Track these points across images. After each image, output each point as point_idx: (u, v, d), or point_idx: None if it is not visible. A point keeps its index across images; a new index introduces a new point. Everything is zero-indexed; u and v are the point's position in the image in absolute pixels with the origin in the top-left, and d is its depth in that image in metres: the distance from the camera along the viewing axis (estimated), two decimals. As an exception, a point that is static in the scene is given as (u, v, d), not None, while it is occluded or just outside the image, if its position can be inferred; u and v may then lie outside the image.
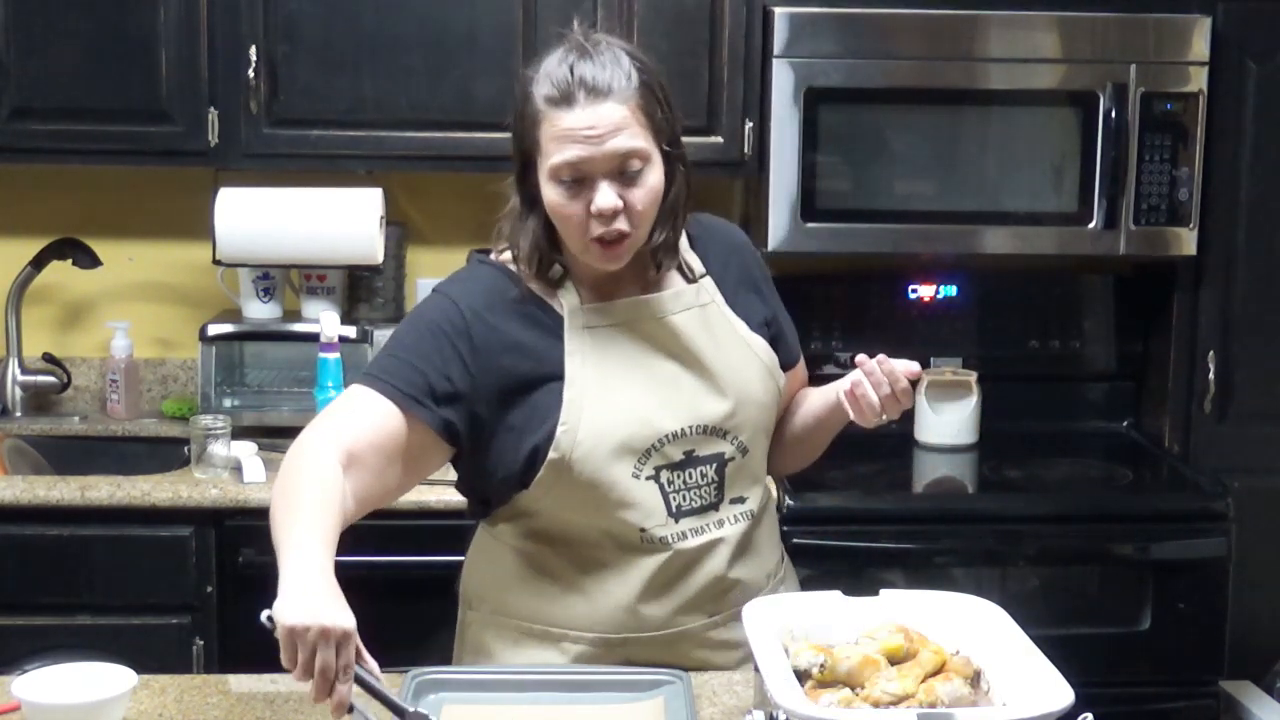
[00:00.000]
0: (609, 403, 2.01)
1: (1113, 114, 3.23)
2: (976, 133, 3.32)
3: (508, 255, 2.08)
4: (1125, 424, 3.65)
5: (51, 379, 3.54)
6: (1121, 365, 3.65)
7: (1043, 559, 3.16)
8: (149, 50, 3.23)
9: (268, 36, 3.23)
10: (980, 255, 3.40)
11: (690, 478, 2.05)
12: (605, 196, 1.93)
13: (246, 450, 3.13)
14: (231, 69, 3.24)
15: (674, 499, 2.04)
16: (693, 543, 2.06)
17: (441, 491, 3.05)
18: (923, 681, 1.78)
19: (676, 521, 2.05)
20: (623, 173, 1.94)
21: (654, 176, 1.96)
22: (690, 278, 2.11)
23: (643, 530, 2.03)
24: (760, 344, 2.13)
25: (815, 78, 3.20)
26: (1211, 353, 3.38)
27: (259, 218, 3.31)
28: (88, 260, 3.50)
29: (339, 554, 3.05)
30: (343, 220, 3.31)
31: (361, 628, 3.08)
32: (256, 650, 2.93)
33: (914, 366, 2.03)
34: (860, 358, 2.03)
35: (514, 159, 2.03)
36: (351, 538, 3.03)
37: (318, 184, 3.37)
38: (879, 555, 3.03)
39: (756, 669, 1.74)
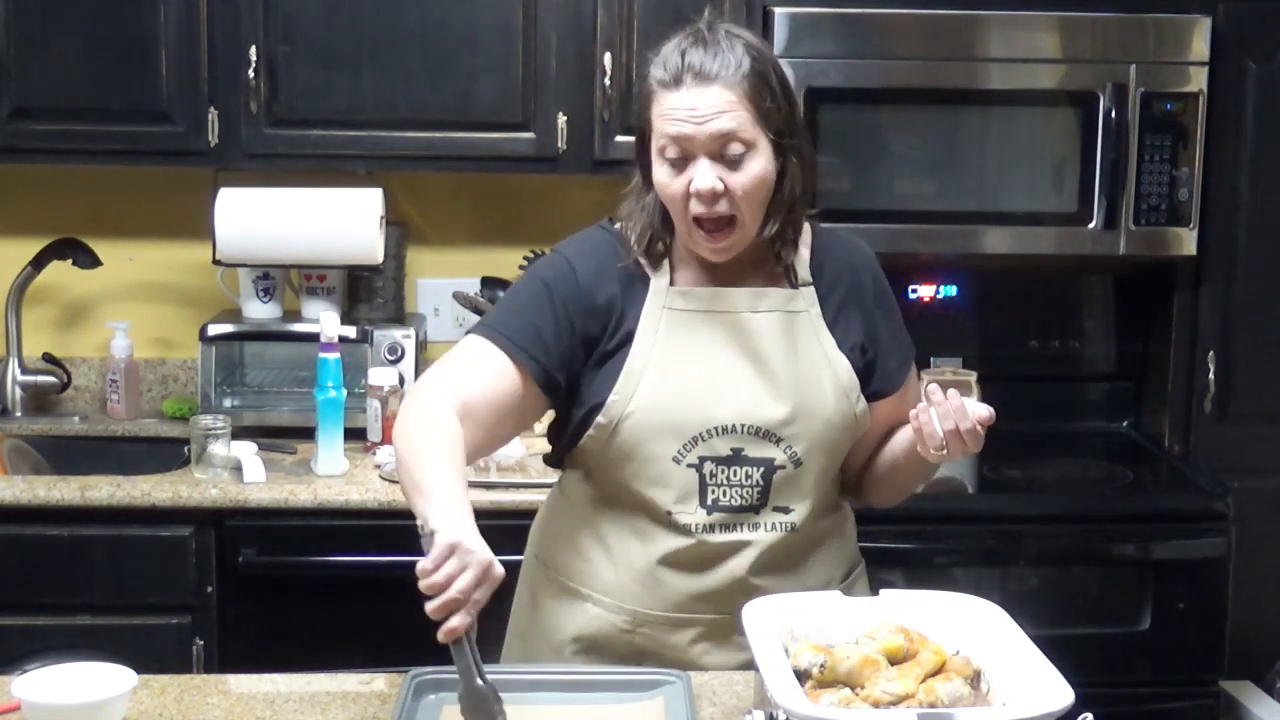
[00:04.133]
0: (665, 383, 2.06)
1: (1113, 114, 3.23)
2: (976, 133, 3.33)
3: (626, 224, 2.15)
4: (1125, 424, 3.65)
5: (51, 379, 3.54)
6: (1121, 365, 3.65)
7: (1043, 559, 3.17)
8: (149, 50, 3.23)
9: (268, 36, 3.23)
10: (980, 255, 3.40)
11: (734, 475, 2.08)
12: (703, 176, 1.98)
13: (246, 450, 3.13)
14: (231, 69, 3.24)
15: (712, 492, 2.07)
16: (720, 538, 2.09)
17: (441, 491, 3.05)
18: (923, 681, 1.78)
19: (709, 514, 2.08)
20: (724, 156, 1.99)
21: (758, 164, 2.00)
22: (793, 283, 2.13)
23: (669, 512, 2.08)
24: (842, 364, 2.12)
25: (815, 78, 3.20)
26: (1211, 353, 3.37)
27: (259, 218, 3.31)
28: (88, 260, 3.50)
29: (335, 554, 3.07)
30: (343, 220, 3.31)
31: (362, 627, 3.09)
32: (256, 650, 2.96)
33: (984, 411, 1.98)
34: (931, 387, 2.00)
35: (636, 141, 2.10)
36: (352, 537, 3.05)
37: (318, 184, 3.37)
38: (879, 555, 3.02)
39: (756, 669, 1.74)
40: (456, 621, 1.75)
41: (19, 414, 3.54)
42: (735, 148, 1.98)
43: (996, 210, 3.33)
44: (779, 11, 3.19)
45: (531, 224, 3.66)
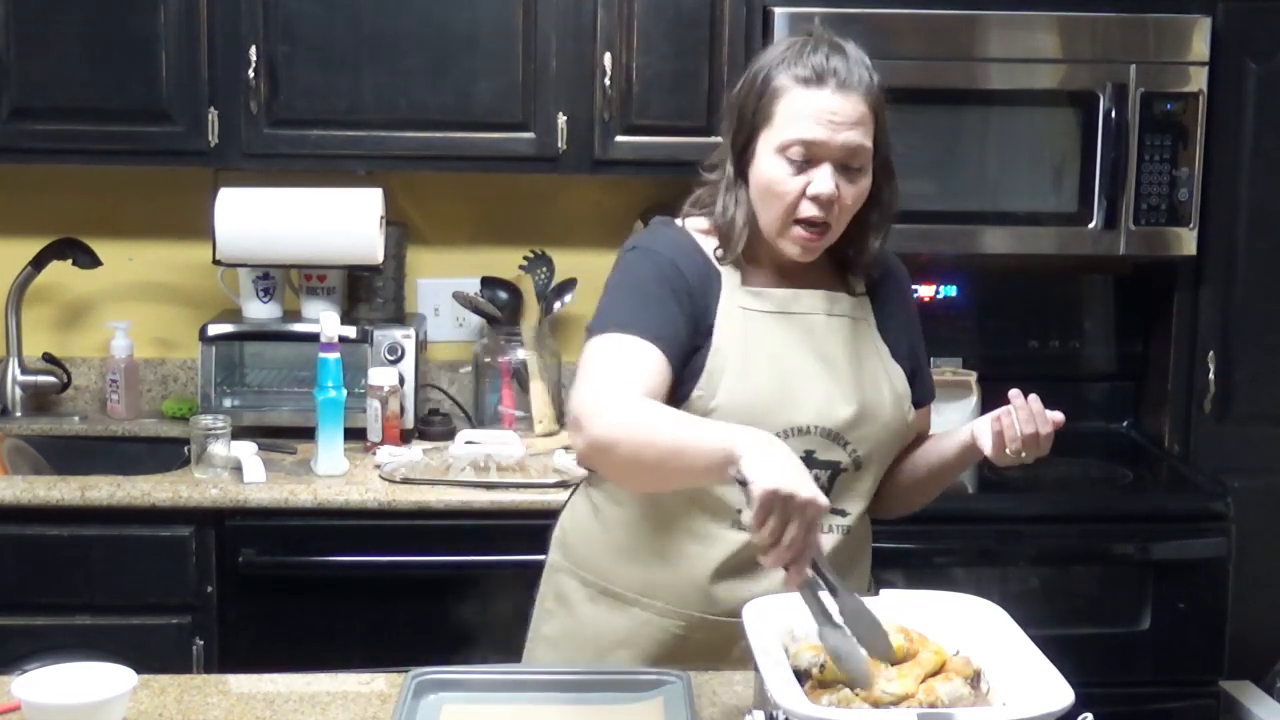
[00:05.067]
0: (746, 383, 2.05)
1: (1113, 114, 3.23)
2: (976, 133, 3.33)
3: (692, 223, 2.13)
4: (1125, 424, 3.65)
5: (51, 379, 3.54)
6: (1121, 365, 3.65)
7: (1043, 559, 3.17)
8: (149, 50, 3.23)
9: (268, 36, 3.23)
10: (980, 255, 3.40)
11: None
12: (825, 182, 1.99)
13: (246, 450, 3.13)
14: (231, 69, 3.24)
15: None
16: None
17: (442, 492, 3.06)
18: (923, 681, 1.78)
19: None
20: (845, 167, 2.00)
21: (867, 179, 2.03)
22: (852, 291, 2.15)
23: (739, 511, 2.06)
24: (897, 372, 2.17)
25: (815, 78, 3.20)
26: (1211, 353, 3.38)
27: (259, 218, 3.31)
28: (88, 260, 3.50)
29: (335, 554, 3.07)
30: (343, 220, 3.31)
31: (362, 628, 3.09)
32: (256, 650, 2.96)
33: (1059, 416, 2.03)
34: (1013, 392, 2.04)
35: (733, 132, 2.08)
36: (352, 537, 3.06)
37: (318, 184, 3.37)
38: (879, 555, 3.02)
39: (756, 669, 1.74)
40: (794, 572, 1.70)
41: (19, 414, 3.54)
42: (857, 161, 2.00)
43: (996, 210, 3.33)
44: (779, 11, 3.19)
45: (531, 224, 3.66)
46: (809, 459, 2.06)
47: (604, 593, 2.16)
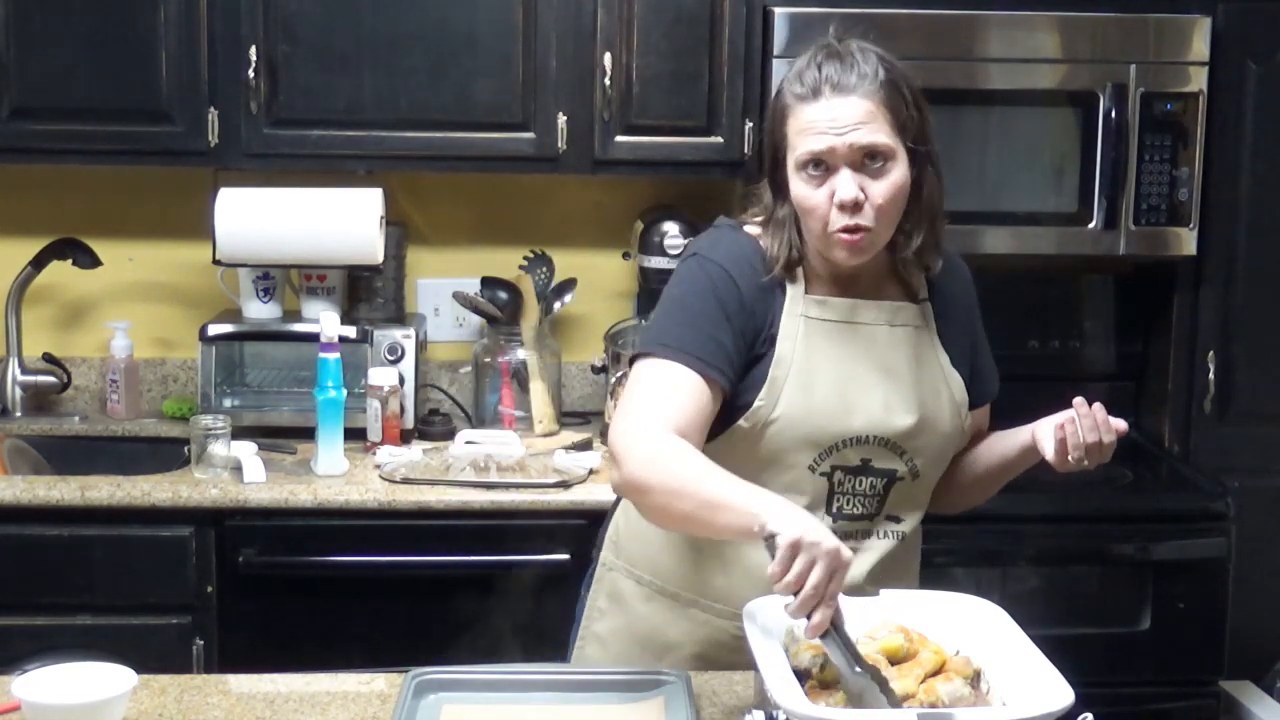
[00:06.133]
0: (807, 392, 2.05)
1: (1113, 114, 3.23)
2: (976, 133, 3.32)
3: (754, 228, 2.13)
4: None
5: (51, 379, 3.54)
6: (1121, 365, 3.65)
7: (1043, 559, 3.17)
8: (149, 50, 3.23)
9: (268, 36, 3.23)
10: (980, 255, 3.38)
11: (859, 485, 2.09)
12: (846, 187, 1.98)
13: (246, 450, 3.13)
14: (231, 69, 3.24)
15: (838, 500, 2.09)
16: None
17: (442, 492, 3.06)
18: (923, 681, 1.78)
19: (834, 521, 2.08)
20: (865, 166, 1.99)
21: (897, 172, 2.01)
22: (915, 298, 2.15)
23: None
24: (957, 381, 2.17)
25: (815, 78, 3.20)
26: (1211, 353, 3.38)
27: (259, 218, 3.31)
28: (88, 260, 3.50)
29: (335, 554, 3.07)
30: (343, 220, 3.31)
31: (362, 628, 3.09)
32: (256, 650, 2.96)
33: (1123, 425, 2.05)
34: (1078, 400, 2.05)
35: (766, 157, 2.09)
36: (352, 537, 3.06)
37: (318, 184, 3.37)
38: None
39: (756, 669, 1.75)
40: (818, 617, 1.72)
41: (19, 414, 3.54)
42: (876, 157, 1.99)
43: (996, 210, 3.33)
44: (779, 11, 3.19)
45: (531, 224, 3.67)
46: (865, 467, 2.08)
47: (661, 593, 2.17)
